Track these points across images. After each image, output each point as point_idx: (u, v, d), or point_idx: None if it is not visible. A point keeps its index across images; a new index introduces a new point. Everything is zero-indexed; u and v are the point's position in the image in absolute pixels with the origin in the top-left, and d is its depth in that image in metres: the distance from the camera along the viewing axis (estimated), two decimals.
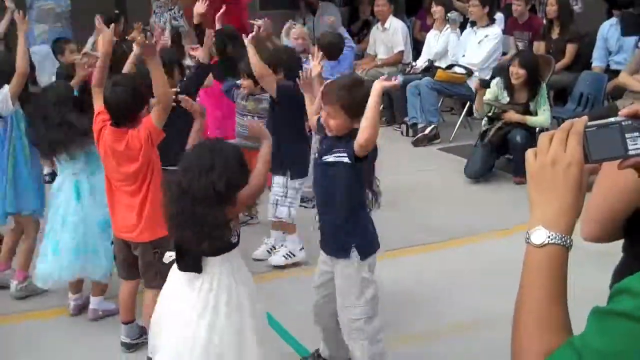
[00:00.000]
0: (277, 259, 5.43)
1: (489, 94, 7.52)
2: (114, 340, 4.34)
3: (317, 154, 3.68)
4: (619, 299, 1.22)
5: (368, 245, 3.65)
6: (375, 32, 10.57)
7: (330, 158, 3.52)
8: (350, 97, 3.45)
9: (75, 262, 4.43)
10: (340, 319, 3.66)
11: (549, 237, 1.38)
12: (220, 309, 3.21)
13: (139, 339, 4.33)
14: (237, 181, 3.19)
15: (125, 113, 3.99)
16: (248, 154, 5.51)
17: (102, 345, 4.38)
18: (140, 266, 4.15)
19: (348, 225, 3.57)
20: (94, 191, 4.49)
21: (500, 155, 7.69)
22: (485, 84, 7.41)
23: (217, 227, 3.14)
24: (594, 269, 5.33)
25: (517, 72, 7.22)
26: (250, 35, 5.31)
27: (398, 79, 3.14)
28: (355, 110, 3.43)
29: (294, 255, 5.37)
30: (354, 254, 3.56)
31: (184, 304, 3.26)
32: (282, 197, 5.23)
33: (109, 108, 4.01)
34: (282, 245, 5.51)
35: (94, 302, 4.68)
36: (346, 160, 3.45)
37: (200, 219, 3.11)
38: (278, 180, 5.28)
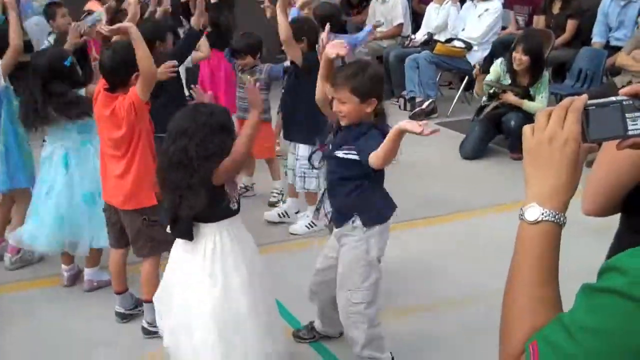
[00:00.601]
0: (299, 227, 5.52)
1: (492, 74, 7.47)
2: (109, 309, 4.35)
3: (329, 146, 3.66)
4: (609, 276, 1.21)
5: (374, 215, 3.62)
6: (375, 3, 10.50)
7: (340, 154, 3.52)
8: (357, 80, 3.44)
9: (59, 233, 4.42)
10: (339, 301, 3.65)
11: (542, 214, 1.37)
12: (227, 272, 3.24)
13: (133, 310, 4.34)
14: (215, 147, 3.14)
15: (113, 78, 3.98)
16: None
17: (97, 315, 4.39)
18: (129, 234, 4.13)
19: (353, 198, 3.56)
20: (83, 162, 4.47)
21: (495, 135, 7.66)
22: (485, 69, 7.36)
23: (193, 193, 3.12)
24: (591, 243, 5.35)
25: (520, 59, 7.16)
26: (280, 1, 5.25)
27: (435, 130, 3.15)
28: (364, 92, 3.42)
29: (315, 225, 5.39)
30: (358, 222, 3.54)
31: (190, 269, 3.28)
32: (309, 168, 5.19)
33: (102, 72, 4.02)
34: (299, 213, 5.64)
35: (88, 273, 4.68)
36: (356, 157, 3.45)
37: (175, 184, 3.13)
38: (304, 151, 5.26)
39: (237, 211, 3.36)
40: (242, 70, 5.84)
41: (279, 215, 5.69)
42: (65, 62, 4.37)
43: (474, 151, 7.50)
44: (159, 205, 3.93)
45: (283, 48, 5.47)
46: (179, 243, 3.35)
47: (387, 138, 3.22)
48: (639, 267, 1.17)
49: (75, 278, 4.76)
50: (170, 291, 3.36)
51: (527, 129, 1.44)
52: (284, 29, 5.14)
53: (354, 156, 3.46)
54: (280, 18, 5.15)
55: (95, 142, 4.38)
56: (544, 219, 1.37)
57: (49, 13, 7.08)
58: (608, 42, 8.94)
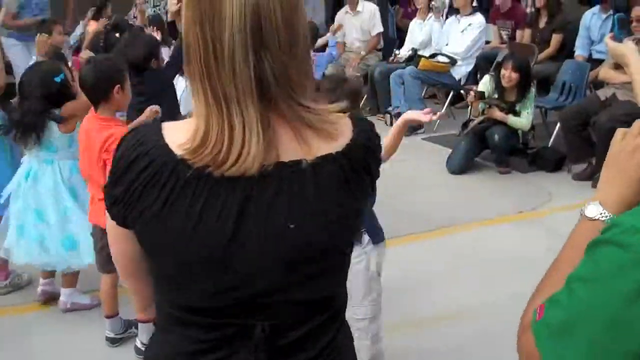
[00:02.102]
0: None
1: (482, 88, 7.51)
2: (101, 332, 4.32)
3: None
4: (609, 230, 1.25)
5: (377, 230, 3.62)
6: (344, 17, 10.51)
7: None
8: (335, 95, 3.42)
9: (34, 248, 4.39)
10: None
11: (601, 213, 1.41)
12: None
13: (123, 334, 4.30)
14: None
15: (95, 93, 3.99)
16: None
17: (87, 340, 4.36)
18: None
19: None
20: (41, 179, 4.41)
21: (482, 150, 7.69)
22: (481, 96, 7.39)
23: None
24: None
25: (509, 76, 7.20)
26: None
27: (436, 114, 3.13)
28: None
29: None
30: (365, 237, 3.52)
31: None
32: None
33: (83, 87, 4.05)
34: None
35: (64, 294, 4.63)
36: None
37: None
38: None
39: None
40: None
41: None
42: (56, 78, 4.32)
43: (461, 166, 7.52)
44: None
45: None
46: None
47: (391, 132, 3.19)
48: (635, 223, 1.21)
49: (51, 296, 4.69)
50: None
51: (619, 132, 1.47)
52: None
53: None
54: None
55: (59, 161, 4.39)
56: (600, 218, 1.41)
57: (44, 30, 7.04)
58: (590, 54, 9.02)
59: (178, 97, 5.75)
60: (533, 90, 7.48)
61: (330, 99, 3.42)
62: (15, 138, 4.40)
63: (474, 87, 7.87)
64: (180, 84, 5.93)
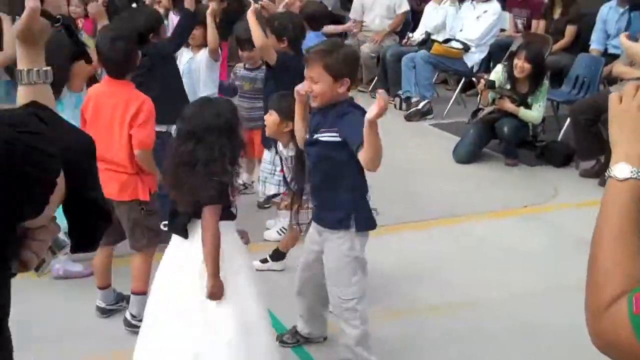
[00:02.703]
0: (272, 233, 5.37)
1: (494, 78, 7.41)
2: (91, 301, 4.30)
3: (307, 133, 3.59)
4: None
5: (367, 218, 3.57)
6: None
7: (322, 137, 3.43)
8: (331, 57, 3.35)
9: None
10: (332, 299, 3.63)
11: (631, 172, 1.44)
12: (230, 278, 3.19)
13: (114, 305, 4.29)
14: (220, 150, 3.14)
15: (120, 66, 4.06)
16: (249, 132, 5.52)
17: (78, 309, 4.34)
18: (125, 227, 4.09)
19: (348, 196, 3.49)
20: None
21: (490, 140, 7.61)
22: (491, 85, 7.28)
23: (195, 191, 3.14)
24: (581, 257, 5.32)
25: (522, 66, 7.10)
26: (252, 7, 5.15)
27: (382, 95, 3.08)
28: (337, 69, 3.34)
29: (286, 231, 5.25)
30: (352, 223, 3.48)
31: (184, 270, 3.24)
32: (270, 173, 5.03)
33: (105, 61, 4.10)
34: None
35: (57, 261, 4.56)
36: (338, 139, 3.37)
37: (179, 181, 3.18)
38: (266, 155, 5.10)
39: (235, 216, 3.33)
40: (241, 79, 5.73)
41: (278, 232, 5.42)
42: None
43: (468, 155, 7.45)
44: (153, 196, 4.00)
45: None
46: (174, 246, 3.31)
47: (364, 136, 3.11)
48: None
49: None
50: (164, 292, 3.29)
51: (614, 96, 1.54)
52: (258, 38, 4.96)
53: (336, 138, 3.37)
54: (251, 24, 4.95)
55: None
56: (632, 176, 1.44)
57: None
58: (606, 49, 8.90)
59: (181, 70, 5.67)
60: (546, 82, 7.39)
61: (325, 61, 3.34)
62: None
63: (485, 76, 7.77)
64: (185, 55, 5.84)
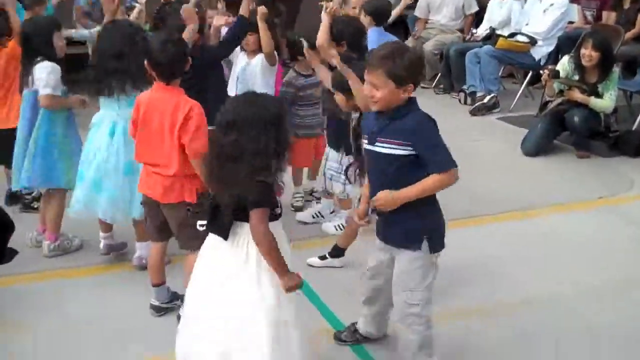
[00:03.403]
0: (330, 227, 5.25)
1: (560, 71, 7.12)
2: (146, 301, 4.20)
3: (366, 135, 3.39)
4: None
5: (440, 236, 3.39)
6: None
7: (381, 148, 3.24)
8: (394, 62, 3.15)
9: (95, 197, 4.42)
10: (396, 303, 3.42)
11: None
12: (274, 280, 3.03)
13: (169, 303, 4.17)
14: (267, 142, 2.96)
15: (170, 70, 3.95)
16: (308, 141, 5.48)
17: (132, 307, 4.23)
18: (172, 228, 4.00)
19: (419, 213, 3.27)
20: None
21: (560, 133, 7.31)
22: (555, 75, 7.00)
23: (240, 187, 2.94)
24: None
25: (589, 55, 6.82)
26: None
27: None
28: (400, 76, 3.14)
29: (343, 228, 5.07)
30: (425, 246, 3.30)
31: (229, 273, 3.06)
32: (337, 173, 4.89)
33: (155, 66, 3.95)
34: (333, 214, 5.39)
35: (140, 247, 4.63)
36: (407, 152, 3.18)
37: (223, 177, 3.00)
38: (334, 155, 4.95)
39: (280, 216, 3.13)
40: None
41: (312, 216, 5.39)
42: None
43: (537, 147, 7.17)
44: (202, 197, 3.82)
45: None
46: (211, 244, 3.15)
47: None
48: None
49: (112, 249, 4.76)
50: (204, 302, 3.13)
51: None
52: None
53: (404, 151, 3.18)
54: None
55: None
56: None
57: None
58: None
59: (235, 75, 5.57)
60: (616, 70, 7.07)
61: (388, 67, 3.16)
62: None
63: (549, 66, 7.49)
64: (241, 59, 5.69)
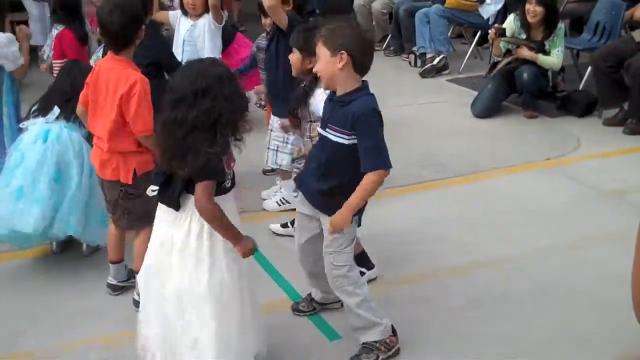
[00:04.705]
0: (271, 204, 5.19)
1: (506, 30, 7.16)
2: (101, 281, 4.18)
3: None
4: None
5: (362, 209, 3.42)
6: None
7: (330, 134, 3.26)
8: (332, 32, 3.17)
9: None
10: (326, 266, 3.46)
11: None
12: (215, 255, 3.03)
13: (126, 282, 4.15)
14: (215, 112, 2.89)
15: (119, 37, 3.77)
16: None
17: (88, 286, 4.22)
18: (109, 203, 3.97)
19: (349, 188, 3.27)
20: (62, 142, 4.26)
21: (509, 94, 7.40)
22: (501, 33, 7.05)
23: (191, 155, 2.89)
24: (607, 209, 5.17)
25: (534, 10, 6.88)
26: None
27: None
28: (334, 42, 3.14)
29: (287, 202, 5.06)
30: (354, 219, 3.33)
31: (173, 246, 3.05)
32: (283, 143, 4.85)
33: (105, 31, 3.83)
34: (276, 191, 5.27)
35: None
36: (346, 142, 3.21)
37: (173, 145, 2.92)
38: (278, 124, 4.85)
39: (230, 189, 3.11)
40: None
41: (278, 203, 5.20)
42: None
43: (487, 109, 7.25)
44: (142, 178, 3.73)
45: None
46: (161, 216, 3.13)
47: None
48: None
49: (94, 248, 4.59)
50: (153, 271, 3.15)
51: None
52: None
53: (349, 141, 3.20)
54: None
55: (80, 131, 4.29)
56: None
57: None
58: None
59: (181, 40, 5.50)
60: (562, 26, 7.14)
61: (324, 35, 3.17)
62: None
63: (495, 25, 7.54)
64: (184, 24, 5.59)
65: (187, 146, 2.88)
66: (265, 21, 5.34)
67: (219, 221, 2.98)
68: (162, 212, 3.12)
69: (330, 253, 3.39)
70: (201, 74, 2.90)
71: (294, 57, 4.23)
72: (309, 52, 3.93)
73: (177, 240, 3.03)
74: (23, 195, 4.11)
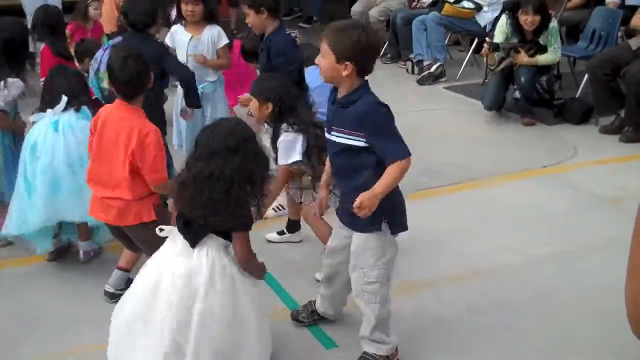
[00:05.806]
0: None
1: (499, 35, 7.20)
2: (99, 289, 4.18)
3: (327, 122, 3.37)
4: None
5: (400, 215, 3.39)
6: None
7: (335, 137, 3.23)
8: (339, 35, 3.12)
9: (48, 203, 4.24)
10: (353, 281, 3.43)
11: None
12: (217, 278, 3.09)
13: (123, 290, 4.11)
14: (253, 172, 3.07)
15: (129, 88, 3.84)
16: None
17: (87, 293, 4.22)
18: (138, 244, 3.99)
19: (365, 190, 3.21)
20: (75, 129, 4.30)
21: (509, 84, 7.42)
22: (494, 48, 7.09)
23: (230, 211, 3.04)
24: (607, 216, 5.17)
25: (532, 20, 6.95)
26: None
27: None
28: (341, 51, 3.10)
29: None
30: (385, 227, 3.30)
31: (178, 272, 3.10)
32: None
33: (115, 83, 3.85)
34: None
35: (82, 246, 4.56)
36: (361, 144, 3.17)
37: (209, 200, 3.02)
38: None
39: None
40: None
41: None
42: None
43: (496, 101, 7.32)
44: (158, 208, 3.85)
45: None
46: (173, 247, 3.18)
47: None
48: None
49: (92, 255, 4.62)
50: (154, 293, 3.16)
51: None
52: None
53: (356, 142, 3.16)
54: None
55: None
56: None
57: None
58: (623, 1, 8.61)
59: (185, 51, 5.46)
60: (555, 23, 7.20)
61: (331, 39, 3.14)
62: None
63: (487, 39, 7.56)
64: (183, 35, 5.57)
65: (233, 200, 3.00)
66: None
67: (257, 268, 3.26)
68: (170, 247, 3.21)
69: (361, 268, 3.37)
70: (231, 132, 3.05)
71: (253, 105, 4.25)
72: (265, 98, 4.11)
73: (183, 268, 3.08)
74: (60, 189, 4.21)
